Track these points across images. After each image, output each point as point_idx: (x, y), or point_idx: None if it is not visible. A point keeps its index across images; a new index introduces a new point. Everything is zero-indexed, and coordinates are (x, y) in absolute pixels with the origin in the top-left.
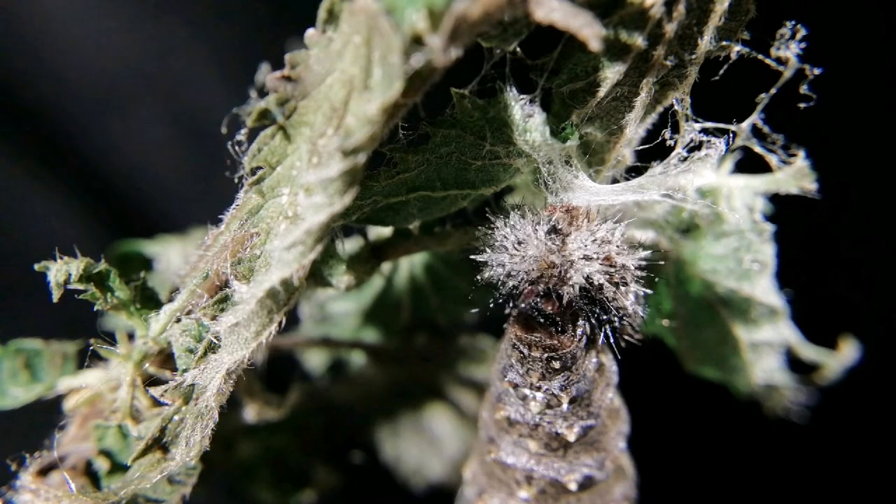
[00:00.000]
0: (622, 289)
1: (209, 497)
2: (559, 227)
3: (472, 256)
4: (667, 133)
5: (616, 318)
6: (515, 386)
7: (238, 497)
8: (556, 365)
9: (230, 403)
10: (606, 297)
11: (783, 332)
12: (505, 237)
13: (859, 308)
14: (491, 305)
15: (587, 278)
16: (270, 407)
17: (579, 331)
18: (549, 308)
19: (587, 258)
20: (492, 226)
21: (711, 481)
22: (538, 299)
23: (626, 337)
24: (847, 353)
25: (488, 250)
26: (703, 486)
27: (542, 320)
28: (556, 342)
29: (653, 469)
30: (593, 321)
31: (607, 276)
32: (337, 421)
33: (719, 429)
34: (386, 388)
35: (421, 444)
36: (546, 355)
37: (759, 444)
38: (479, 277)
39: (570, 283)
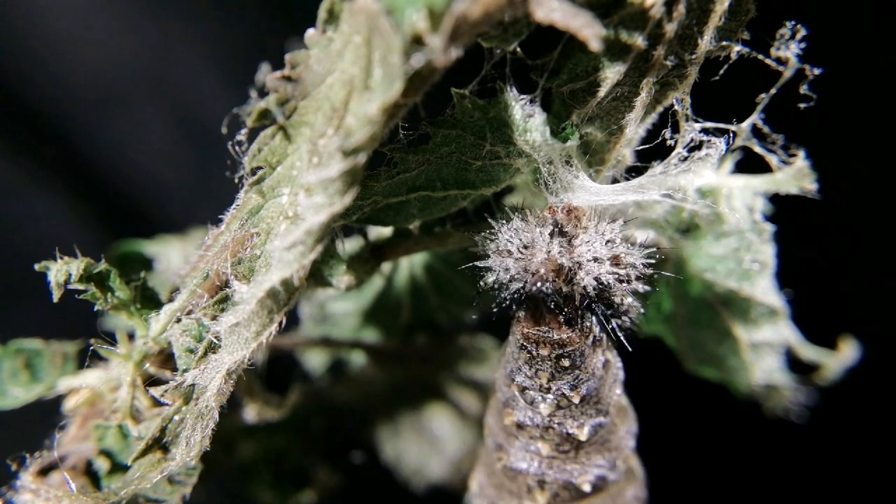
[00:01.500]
0: (627, 286)
1: (209, 497)
2: (565, 228)
3: (476, 263)
4: (667, 133)
5: (621, 315)
6: (524, 389)
7: (238, 497)
8: (566, 363)
9: (230, 404)
10: (613, 295)
11: (783, 332)
12: (510, 241)
13: (859, 308)
14: (494, 309)
15: (597, 279)
16: (270, 407)
17: (588, 324)
18: (560, 297)
19: (596, 259)
20: (494, 230)
21: (711, 481)
22: (549, 285)
23: (626, 332)
24: (847, 353)
25: (492, 255)
26: (703, 486)
27: (551, 312)
28: (565, 337)
29: (653, 469)
30: (601, 317)
31: (616, 276)
32: (337, 421)
33: (719, 429)
34: (386, 388)
35: (421, 445)
36: (555, 353)
37: (758, 443)
38: (482, 283)
39: (580, 283)
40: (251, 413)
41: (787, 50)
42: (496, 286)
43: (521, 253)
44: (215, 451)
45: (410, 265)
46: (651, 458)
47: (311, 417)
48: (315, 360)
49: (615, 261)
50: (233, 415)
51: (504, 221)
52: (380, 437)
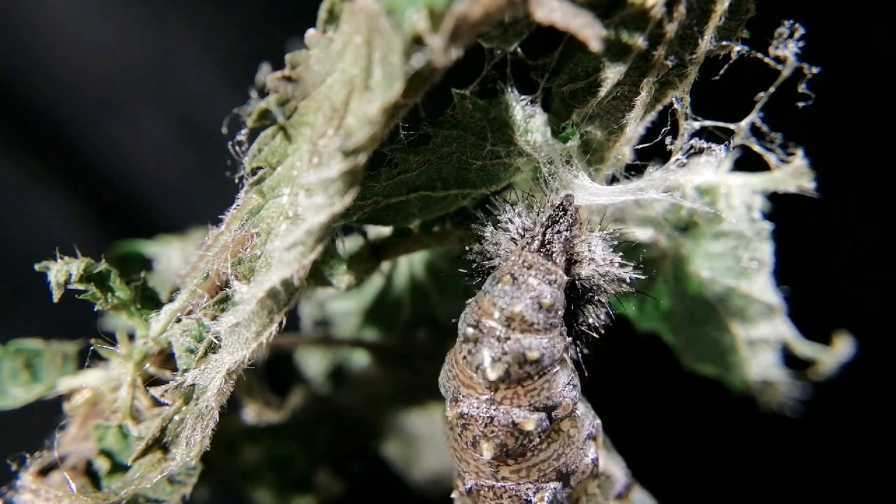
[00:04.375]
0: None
1: (210, 498)
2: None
3: (473, 226)
4: (667, 137)
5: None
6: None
7: (239, 499)
8: None
9: (234, 406)
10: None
11: (779, 328)
12: (510, 220)
13: (854, 304)
14: (466, 278)
15: (589, 279)
16: (271, 408)
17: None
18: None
19: (593, 261)
20: (497, 211)
21: (708, 476)
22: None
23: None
24: (842, 348)
25: (490, 226)
26: (699, 482)
27: None
28: None
29: (650, 465)
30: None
31: (606, 283)
32: (344, 428)
33: (716, 424)
34: (391, 391)
35: (430, 449)
36: None
37: (754, 439)
38: (469, 248)
39: (578, 273)
40: (251, 413)
41: (786, 49)
42: (479, 256)
43: (519, 234)
44: (218, 452)
45: (410, 263)
46: (648, 454)
47: (318, 425)
48: (315, 367)
49: (607, 274)
50: (236, 417)
51: (509, 206)
52: (387, 443)
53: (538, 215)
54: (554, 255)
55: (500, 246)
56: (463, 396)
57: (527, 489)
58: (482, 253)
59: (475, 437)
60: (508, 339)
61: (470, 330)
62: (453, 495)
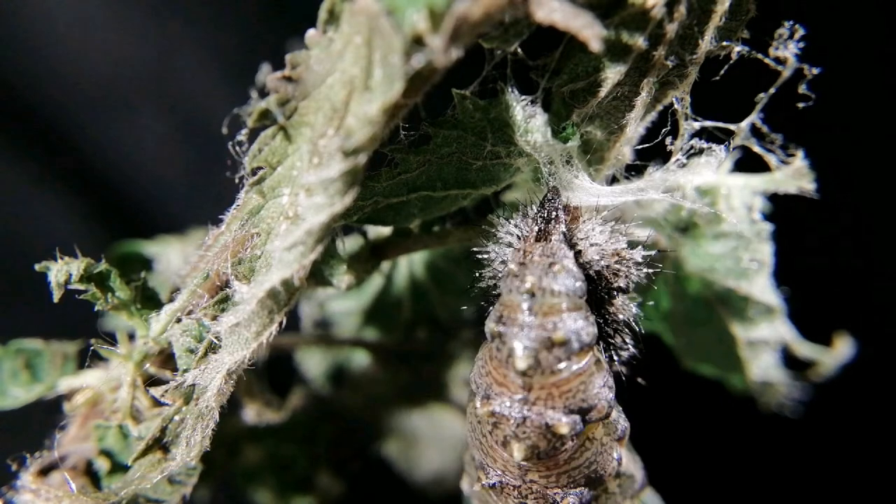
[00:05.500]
0: (623, 297)
1: (211, 499)
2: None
3: (475, 250)
4: (668, 137)
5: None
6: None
7: (239, 501)
8: None
9: (234, 407)
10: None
11: (779, 329)
12: (509, 233)
13: (854, 305)
14: (483, 303)
15: (598, 261)
16: (271, 408)
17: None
18: None
19: (595, 245)
20: (494, 225)
21: (708, 476)
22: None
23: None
24: (841, 349)
25: (491, 245)
26: (699, 482)
27: None
28: None
29: (650, 465)
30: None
31: (616, 264)
32: (345, 430)
33: (715, 425)
34: (392, 391)
35: (431, 450)
36: None
37: (754, 439)
38: (478, 274)
39: (585, 260)
40: (251, 413)
41: (786, 49)
42: (491, 276)
43: (517, 238)
44: (219, 453)
45: (409, 262)
46: (648, 454)
47: (319, 426)
48: (315, 369)
49: (615, 254)
50: (236, 417)
51: (505, 217)
52: (388, 444)
53: (530, 215)
54: (552, 237)
55: (506, 258)
56: (495, 395)
57: (554, 493)
58: (494, 277)
59: (506, 437)
60: (532, 325)
61: (493, 325)
62: (463, 486)
